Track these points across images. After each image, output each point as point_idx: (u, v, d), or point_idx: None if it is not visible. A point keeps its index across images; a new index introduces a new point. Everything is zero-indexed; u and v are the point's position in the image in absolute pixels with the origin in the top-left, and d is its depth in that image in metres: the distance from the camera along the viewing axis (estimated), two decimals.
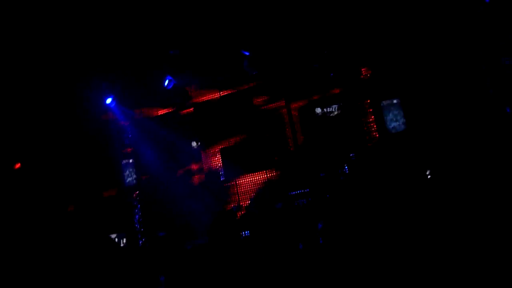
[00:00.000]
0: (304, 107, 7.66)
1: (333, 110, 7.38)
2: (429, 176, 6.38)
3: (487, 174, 5.56)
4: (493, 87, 5.97)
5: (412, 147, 6.68)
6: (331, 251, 5.80)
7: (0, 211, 7.00)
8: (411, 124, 6.79)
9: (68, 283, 5.99)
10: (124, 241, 7.68)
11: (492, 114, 5.98)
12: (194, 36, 7.43)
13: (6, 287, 5.69)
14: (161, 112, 8.52)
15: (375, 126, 7.09)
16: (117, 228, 7.79)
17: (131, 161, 8.30)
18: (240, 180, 7.86)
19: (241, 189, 7.83)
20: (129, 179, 8.30)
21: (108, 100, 8.14)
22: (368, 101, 7.22)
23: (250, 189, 7.78)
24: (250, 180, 7.80)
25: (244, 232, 6.39)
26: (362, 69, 7.23)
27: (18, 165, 7.75)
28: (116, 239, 7.58)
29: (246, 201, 7.72)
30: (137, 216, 8.02)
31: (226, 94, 8.18)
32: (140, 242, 7.71)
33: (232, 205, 7.66)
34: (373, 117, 7.12)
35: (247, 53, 7.59)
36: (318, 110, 7.46)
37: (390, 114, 6.95)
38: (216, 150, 8.18)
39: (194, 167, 8.27)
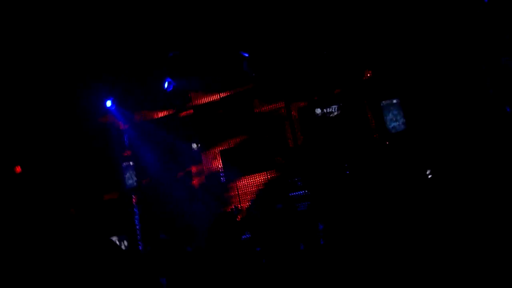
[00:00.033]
0: (304, 107, 7.66)
1: (333, 110, 7.38)
2: (429, 176, 6.39)
3: (487, 174, 5.56)
4: (493, 86, 5.97)
5: (412, 147, 6.68)
6: (333, 251, 5.80)
7: (1, 214, 7.01)
8: (411, 124, 6.79)
9: (70, 286, 6.00)
10: (126, 243, 7.68)
11: (492, 113, 5.97)
12: (194, 38, 7.44)
13: None
14: (161, 114, 8.52)
15: (375, 126, 7.09)
16: (118, 230, 7.80)
17: (131, 163, 8.31)
18: (240, 182, 7.86)
19: (242, 190, 7.83)
20: (129, 181, 8.30)
21: (108, 103, 8.16)
22: (368, 101, 7.21)
23: (250, 191, 7.78)
24: (251, 182, 7.80)
25: (245, 234, 6.39)
26: (362, 70, 7.23)
27: (19, 169, 7.76)
28: (117, 242, 7.58)
29: (246, 203, 7.73)
30: (138, 219, 8.02)
31: (226, 96, 8.18)
32: (141, 244, 7.71)
33: (233, 207, 7.66)
34: (372, 117, 7.12)
35: (246, 55, 7.60)
36: (318, 110, 7.46)
37: (390, 114, 6.95)
38: (216, 151, 8.18)
39: (195, 169, 8.28)
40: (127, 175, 8.31)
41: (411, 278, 4.52)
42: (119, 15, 6.73)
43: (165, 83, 7.97)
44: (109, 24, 6.89)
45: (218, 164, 8.16)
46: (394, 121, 6.89)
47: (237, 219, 7.12)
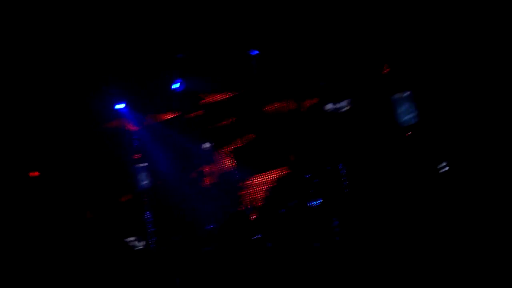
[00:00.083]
0: (314, 103, 7.61)
1: (344, 105, 7.31)
2: (444, 169, 6.28)
3: (504, 168, 5.44)
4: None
5: (425, 141, 6.57)
6: (349, 248, 5.77)
7: (21, 219, 7.16)
8: (424, 117, 6.67)
9: (87, 285, 6.10)
10: (141, 244, 7.76)
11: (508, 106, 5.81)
12: (202, 38, 7.45)
13: None
14: (172, 115, 8.55)
15: (386, 120, 6.99)
16: (134, 231, 7.88)
17: (144, 165, 8.37)
18: (253, 180, 7.85)
19: (255, 188, 7.82)
20: (143, 182, 8.36)
21: (120, 106, 8.23)
22: (380, 94, 7.11)
23: (263, 189, 7.76)
24: (264, 180, 7.78)
25: (258, 233, 6.39)
26: (374, 63, 7.13)
27: (36, 174, 7.90)
28: (133, 243, 7.67)
29: (259, 201, 7.72)
30: (152, 219, 8.08)
31: (236, 94, 8.17)
32: (156, 245, 7.77)
33: (246, 206, 7.66)
34: (384, 110, 7.02)
35: (255, 52, 7.58)
36: (329, 106, 7.40)
37: (402, 107, 6.84)
38: (228, 150, 8.18)
39: (207, 168, 8.29)
40: (141, 176, 8.37)
41: (430, 273, 4.47)
42: (126, 17, 6.79)
43: (175, 84, 8.01)
44: (117, 26, 6.94)
45: (231, 162, 8.16)
46: (407, 114, 6.78)
47: (250, 219, 7.12)
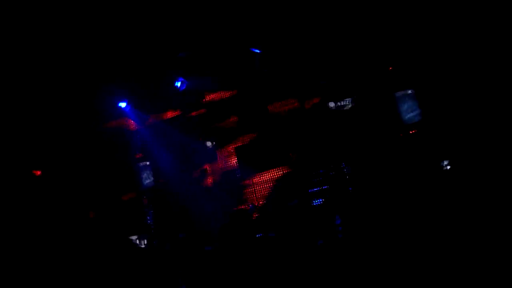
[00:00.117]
0: (317, 101, 7.60)
1: (347, 103, 7.30)
2: (447, 167, 6.27)
3: (506, 166, 5.43)
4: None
5: (428, 138, 6.56)
6: (351, 245, 5.76)
7: (24, 217, 7.18)
8: (427, 115, 6.66)
9: (91, 285, 6.12)
10: (145, 242, 7.77)
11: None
12: (205, 37, 7.44)
13: None
14: (175, 114, 8.55)
15: (390, 117, 6.98)
16: (137, 230, 7.89)
17: (147, 163, 8.38)
18: (255, 178, 7.85)
19: (257, 187, 7.82)
20: (146, 181, 8.38)
21: (123, 105, 8.23)
22: (382, 92, 7.10)
23: (265, 187, 7.76)
24: (266, 178, 7.78)
25: (262, 232, 6.39)
26: (377, 61, 7.12)
27: (38, 173, 7.92)
28: (137, 241, 7.68)
29: (262, 200, 7.72)
30: (155, 218, 8.09)
31: (238, 93, 8.16)
32: (160, 243, 7.78)
33: (249, 205, 7.66)
34: (387, 108, 7.01)
35: (258, 51, 7.56)
36: (332, 104, 7.39)
37: (405, 105, 6.83)
38: (231, 149, 8.19)
39: (210, 167, 8.30)
40: (144, 175, 8.39)
41: (431, 270, 4.47)
42: (128, 17, 6.78)
43: (177, 82, 8.00)
44: (120, 26, 6.94)
45: (233, 161, 8.16)
46: (410, 112, 6.77)
47: (253, 217, 7.12)
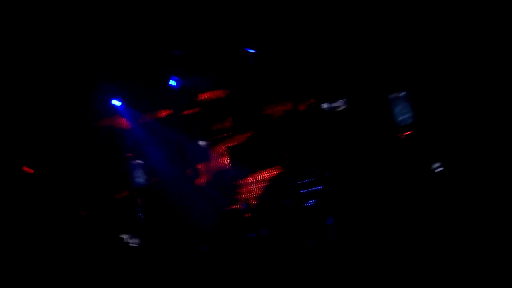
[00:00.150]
0: (311, 102, 7.62)
1: (340, 104, 7.33)
2: (438, 170, 6.32)
3: (499, 168, 5.48)
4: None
5: (421, 140, 6.60)
6: (343, 246, 5.79)
7: (15, 216, 7.13)
8: (420, 117, 6.70)
9: (83, 284, 6.09)
10: (136, 242, 7.74)
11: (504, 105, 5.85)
12: (199, 35, 7.44)
13: None
14: (168, 112, 8.52)
15: (383, 119, 7.02)
16: (128, 229, 7.85)
17: (139, 162, 8.34)
18: (248, 178, 7.85)
19: (250, 187, 7.82)
20: (139, 180, 8.34)
21: (116, 103, 8.19)
22: (375, 94, 7.14)
23: (258, 187, 7.77)
24: (259, 178, 7.79)
25: (254, 231, 6.39)
26: (367, 62, 7.15)
27: (30, 170, 7.85)
28: (128, 240, 7.65)
29: (255, 200, 7.72)
30: (147, 217, 8.06)
31: (232, 92, 8.16)
32: (152, 243, 7.75)
33: (241, 204, 7.65)
34: (380, 110, 7.05)
35: (252, 51, 7.57)
36: (325, 105, 7.42)
37: (398, 107, 6.87)
38: (224, 148, 8.18)
39: (203, 166, 8.28)
40: (136, 173, 8.35)
41: (421, 272, 4.49)
42: (125, 16, 6.77)
43: (172, 81, 7.98)
44: (115, 24, 6.92)
45: (226, 161, 8.15)
46: (403, 114, 6.81)
47: (245, 217, 7.12)
